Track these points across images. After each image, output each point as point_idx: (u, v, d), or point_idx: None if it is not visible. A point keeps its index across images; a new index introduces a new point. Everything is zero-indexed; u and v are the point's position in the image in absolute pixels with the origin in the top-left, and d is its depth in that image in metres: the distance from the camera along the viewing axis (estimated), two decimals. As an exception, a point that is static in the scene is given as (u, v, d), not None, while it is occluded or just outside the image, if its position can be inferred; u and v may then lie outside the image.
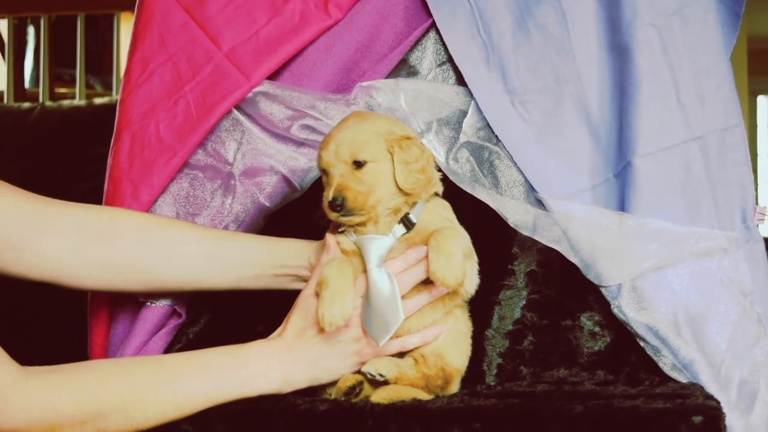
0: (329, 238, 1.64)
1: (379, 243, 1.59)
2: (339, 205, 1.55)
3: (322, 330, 1.57)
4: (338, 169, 1.57)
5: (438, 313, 1.65)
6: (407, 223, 1.60)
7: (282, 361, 1.59)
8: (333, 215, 1.57)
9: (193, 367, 1.56)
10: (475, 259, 1.66)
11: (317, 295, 1.58)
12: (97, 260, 1.70)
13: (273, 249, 1.75)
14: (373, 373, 1.58)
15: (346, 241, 1.63)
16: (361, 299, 1.59)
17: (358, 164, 1.57)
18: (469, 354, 1.69)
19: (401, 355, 1.64)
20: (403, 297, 1.59)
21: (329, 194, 1.56)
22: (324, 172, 1.61)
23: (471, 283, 1.65)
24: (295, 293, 1.67)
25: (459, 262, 1.55)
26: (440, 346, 1.63)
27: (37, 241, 1.65)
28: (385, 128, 1.61)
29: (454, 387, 1.66)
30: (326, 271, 1.58)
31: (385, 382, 1.59)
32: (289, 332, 1.61)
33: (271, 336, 1.63)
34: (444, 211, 1.66)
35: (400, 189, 1.59)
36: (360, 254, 1.61)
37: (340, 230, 1.63)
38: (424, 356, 1.62)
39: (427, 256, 1.57)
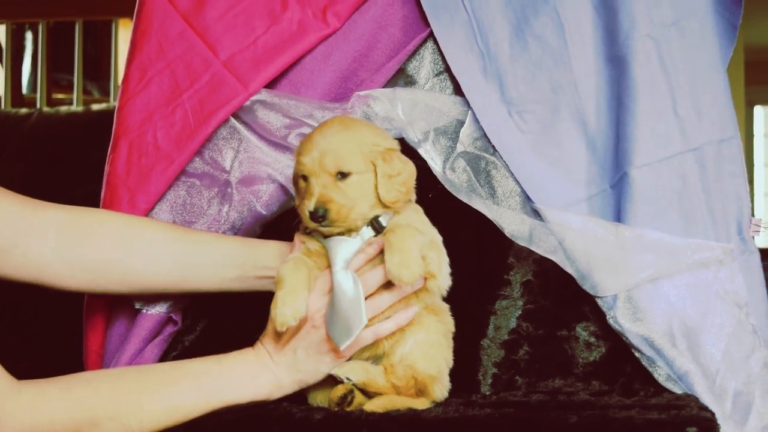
0: (296, 237, 1.64)
1: (345, 245, 1.58)
2: (321, 216, 1.54)
3: (292, 334, 1.58)
4: (321, 179, 1.56)
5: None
6: (376, 226, 1.60)
7: (267, 367, 1.60)
8: (312, 225, 1.56)
9: (181, 374, 1.57)
10: (443, 253, 1.64)
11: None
12: (80, 261, 1.70)
13: (254, 250, 1.75)
14: (341, 377, 1.58)
15: (312, 241, 1.62)
16: (326, 299, 1.58)
17: (342, 175, 1.56)
18: (449, 358, 1.68)
19: (377, 360, 1.64)
20: (367, 298, 1.57)
21: (311, 204, 1.55)
22: (303, 177, 1.59)
23: (444, 277, 1.64)
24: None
25: (414, 258, 1.53)
26: (410, 356, 1.62)
27: (23, 243, 1.65)
28: (369, 139, 1.60)
29: (435, 393, 1.64)
30: (281, 271, 1.58)
31: (364, 390, 1.59)
32: (267, 339, 1.62)
33: (255, 343, 1.64)
34: (414, 215, 1.65)
35: (380, 201, 1.59)
36: (326, 254, 1.60)
37: (307, 231, 1.63)
38: (393, 366, 1.61)
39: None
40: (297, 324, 1.55)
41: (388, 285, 1.59)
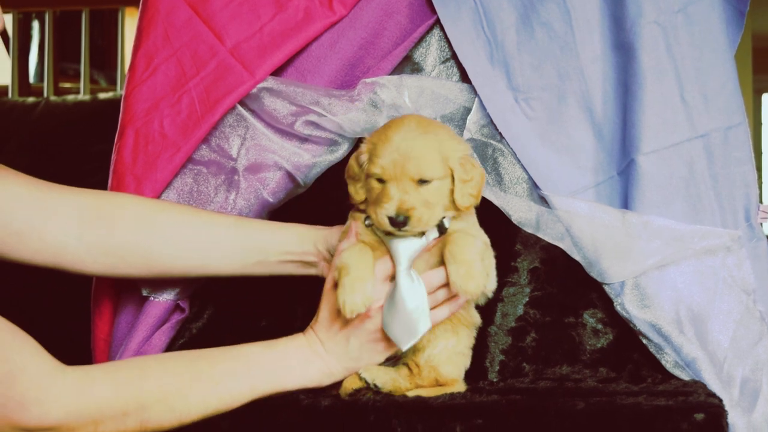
0: (353, 224, 1.62)
1: (410, 244, 1.56)
2: (401, 222, 1.52)
3: (347, 322, 1.57)
4: (402, 185, 1.53)
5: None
6: (441, 228, 1.59)
7: (317, 354, 1.59)
8: (390, 229, 1.53)
9: (231, 360, 1.55)
10: (492, 257, 1.63)
11: (336, 283, 1.55)
12: (100, 244, 1.69)
13: (278, 235, 1.74)
14: (369, 381, 1.58)
15: (368, 233, 1.60)
16: (382, 288, 1.57)
17: (423, 181, 1.54)
18: (467, 364, 1.69)
19: (396, 361, 1.65)
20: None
21: (391, 210, 1.52)
22: (379, 179, 1.56)
23: (492, 282, 1.63)
24: (299, 286, 1.66)
25: (479, 270, 1.53)
26: (436, 359, 1.62)
27: (41, 226, 1.65)
28: (449, 144, 1.57)
29: (450, 386, 1.65)
30: (345, 258, 1.55)
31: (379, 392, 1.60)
32: (319, 326, 1.60)
33: (306, 329, 1.62)
34: (470, 217, 1.64)
35: (454, 205, 1.58)
36: (378, 244, 1.59)
37: (366, 223, 1.60)
38: (420, 366, 1.62)
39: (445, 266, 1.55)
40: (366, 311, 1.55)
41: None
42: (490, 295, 1.63)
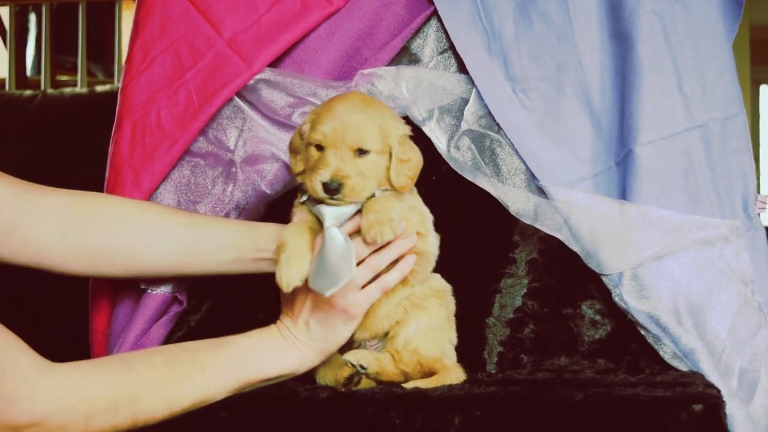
0: (295, 212, 1.64)
1: (338, 208, 1.57)
2: (334, 189, 1.54)
3: (300, 306, 1.59)
4: (340, 153, 1.56)
5: (408, 289, 1.66)
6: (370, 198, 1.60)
7: (290, 340, 1.60)
8: (321, 196, 1.55)
9: (214, 348, 1.57)
10: (428, 220, 1.65)
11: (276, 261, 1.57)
12: (83, 245, 1.70)
13: (251, 233, 1.75)
14: (355, 364, 1.59)
15: (303, 212, 1.62)
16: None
17: (361, 152, 1.57)
18: (452, 337, 1.69)
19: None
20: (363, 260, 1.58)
21: (325, 175, 1.54)
22: (317, 147, 1.58)
23: (431, 243, 1.65)
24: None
25: (389, 217, 1.54)
26: (413, 340, 1.63)
27: (23, 226, 1.65)
28: (390, 122, 1.60)
29: (449, 376, 1.65)
30: (283, 235, 1.57)
31: (367, 375, 1.60)
32: (283, 314, 1.63)
33: (277, 321, 1.64)
34: (413, 196, 1.66)
35: (389, 183, 1.59)
36: (316, 226, 1.60)
37: (301, 200, 1.63)
38: (399, 352, 1.62)
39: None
40: (303, 284, 1.54)
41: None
42: (432, 259, 1.66)
